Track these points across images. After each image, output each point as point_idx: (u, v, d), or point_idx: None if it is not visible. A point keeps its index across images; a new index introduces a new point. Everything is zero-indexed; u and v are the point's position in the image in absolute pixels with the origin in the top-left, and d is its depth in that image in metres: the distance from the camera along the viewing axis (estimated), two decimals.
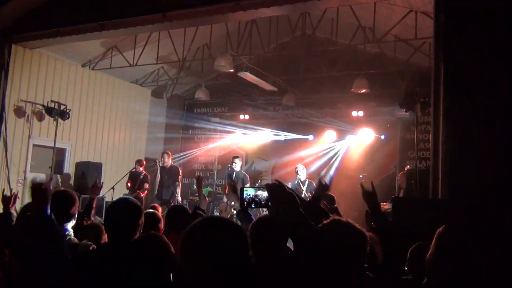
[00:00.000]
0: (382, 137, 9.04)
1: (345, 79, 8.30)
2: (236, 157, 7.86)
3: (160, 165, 7.94)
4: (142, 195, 7.90)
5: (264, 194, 2.31)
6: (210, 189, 10.19)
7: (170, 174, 7.83)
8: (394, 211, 3.64)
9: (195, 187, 9.61)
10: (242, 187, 2.43)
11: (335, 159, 9.17)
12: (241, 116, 10.56)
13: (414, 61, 7.68)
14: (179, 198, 7.70)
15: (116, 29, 6.50)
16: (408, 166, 7.14)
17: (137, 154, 10.45)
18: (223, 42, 8.32)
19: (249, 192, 2.35)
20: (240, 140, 10.58)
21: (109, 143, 10.01)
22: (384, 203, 5.68)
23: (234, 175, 7.61)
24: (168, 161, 7.93)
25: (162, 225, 3.29)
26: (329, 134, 9.46)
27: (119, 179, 8.27)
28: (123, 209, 2.29)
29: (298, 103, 9.48)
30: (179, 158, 10.90)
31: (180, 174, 7.95)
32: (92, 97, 9.68)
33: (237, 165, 7.81)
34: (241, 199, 2.34)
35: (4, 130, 7.81)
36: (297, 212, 1.76)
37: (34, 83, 8.46)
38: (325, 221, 2.07)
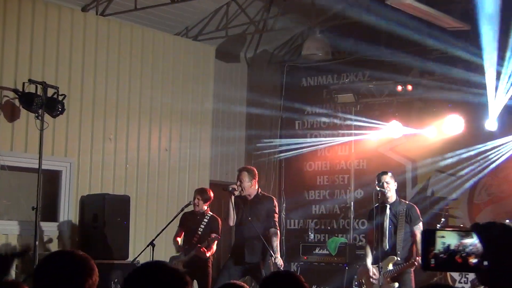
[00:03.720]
0: None
1: None
2: (385, 173, 7.70)
3: (236, 193, 7.70)
4: (208, 255, 8.07)
5: (473, 243, 2.26)
6: (343, 240, 10.45)
7: (256, 210, 7.74)
8: None
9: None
10: (428, 229, 2.54)
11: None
12: (399, 88, 10.55)
13: None
14: (279, 260, 7.45)
15: None
16: None
17: (195, 177, 10.71)
18: None
19: (446, 239, 2.28)
20: (397, 135, 10.67)
21: (141, 158, 10.21)
22: None
23: (387, 209, 7.58)
24: (251, 186, 7.74)
25: None
26: None
27: (163, 226, 8.27)
28: (58, 268, 2.62)
29: None
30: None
31: (276, 209, 7.83)
32: (104, 70, 9.81)
33: (391, 188, 7.63)
34: (424, 254, 2.31)
35: None
36: None
37: None
38: None
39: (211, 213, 8.48)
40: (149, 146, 10.28)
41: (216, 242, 8.22)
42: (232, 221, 7.59)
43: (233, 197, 7.51)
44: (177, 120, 10.66)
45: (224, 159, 11.76)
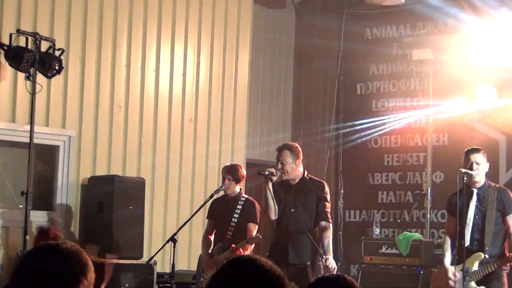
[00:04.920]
0: None
1: None
2: (476, 150, 7.67)
3: (275, 178, 7.80)
4: (248, 251, 8.17)
5: None
6: (417, 236, 10.43)
7: (303, 199, 7.88)
8: None
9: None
10: None
11: None
12: None
13: None
14: (332, 263, 7.57)
15: None
16: None
17: (227, 155, 10.84)
18: None
19: None
20: (489, 102, 10.68)
21: (160, 130, 10.36)
22: None
23: (474, 195, 7.64)
24: (295, 169, 7.83)
25: None
26: None
27: (189, 217, 8.40)
28: (40, 267, 2.68)
29: None
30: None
31: (328, 197, 7.99)
32: (112, 18, 9.97)
33: (481, 170, 7.61)
34: None
35: None
36: None
37: None
38: None
39: (246, 196, 8.56)
40: (169, 115, 10.41)
41: (253, 232, 8.29)
42: (274, 213, 7.66)
43: (270, 184, 7.56)
44: (204, 81, 10.80)
45: (265, 132, 11.99)
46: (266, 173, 7.54)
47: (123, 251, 9.03)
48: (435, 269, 8.70)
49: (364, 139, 11.77)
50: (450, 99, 10.85)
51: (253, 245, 8.26)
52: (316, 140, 11.91)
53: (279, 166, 7.56)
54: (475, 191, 7.44)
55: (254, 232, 8.26)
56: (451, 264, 7.39)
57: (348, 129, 11.93)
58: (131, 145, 10.04)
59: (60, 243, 2.75)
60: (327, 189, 7.95)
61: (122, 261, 8.90)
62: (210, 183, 10.30)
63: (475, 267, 7.22)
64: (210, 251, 8.52)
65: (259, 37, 11.88)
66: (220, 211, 8.52)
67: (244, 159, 10.92)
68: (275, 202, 7.67)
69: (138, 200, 9.45)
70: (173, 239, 7.73)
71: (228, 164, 8.89)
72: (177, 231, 7.91)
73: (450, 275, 7.35)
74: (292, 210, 7.45)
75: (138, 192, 9.51)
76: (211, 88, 10.90)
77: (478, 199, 7.42)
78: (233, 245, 8.09)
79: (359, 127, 11.84)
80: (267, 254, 7.84)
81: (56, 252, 2.70)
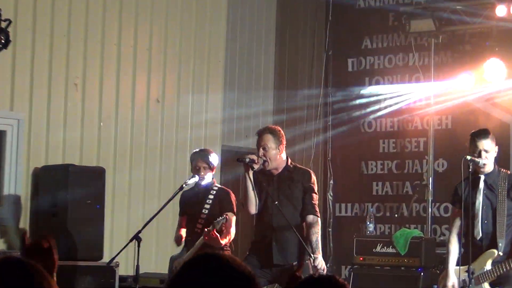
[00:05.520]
0: None
1: None
2: (483, 135, 7.64)
3: (256, 167, 7.84)
4: (223, 242, 8.32)
5: None
6: (416, 233, 10.46)
7: (287, 190, 7.93)
8: None
9: None
10: None
11: None
12: (501, 10, 10.59)
13: None
14: (321, 262, 7.63)
15: None
16: None
17: (200, 141, 10.94)
18: None
19: None
20: (498, 81, 10.79)
21: (121, 112, 10.41)
22: None
23: (481, 182, 7.67)
24: (278, 155, 7.88)
25: None
26: None
27: (155, 211, 8.41)
28: None
29: None
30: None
31: (315, 187, 8.02)
32: None
33: (490, 157, 7.60)
34: None
35: None
36: None
37: None
38: None
39: (219, 185, 8.65)
40: (133, 95, 10.44)
41: (232, 223, 8.32)
42: (254, 206, 7.66)
43: (251, 173, 7.54)
44: (173, 56, 10.84)
45: (243, 115, 11.99)
46: (247, 159, 7.50)
47: (80, 251, 8.98)
48: (438, 271, 8.74)
49: (356, 122, 11.82)
50: (454, 77, 10.88)
51: (232, 234, 8.27)
52: (302, 124, 11.92)
53: (261, 152, 7.52)
54: (482, 177, 7.36)
55: (233, 223, 8.29)
56: (457, 265, 7.31)
57: (338, 112, 11.97)
58: (89, 130, 10.02)
59: (21, 259, 2.77)
60: (314, 178, 7.89)
61: (79, 263, 8.86)
62: (181, 172, 10.31)
63: (488, 266, 7.15)
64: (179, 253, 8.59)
65: (236, 7, 11.86)
66: (190, 203, 8.57)
67: (219, 145, 11.00)
68: (256, 193, 7.66)
69: (97, 193, 9.39)
70: (137, 237, 7.72)
71: (199, 150, 8.90)
72: (143, 228, 7.91)
73: (449, 283, 7.26)
74: (276, 202, 7.41)
75: (98, 184, 9.46)
76: (181, 64, 10.93)
77: (487, 187, 7.37)
78: (206, 229, 8.07)
79: (350, 109, 11.88)
80: (247, 253, 7.88)
81: (15, 267, 2.73)
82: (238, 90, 12.12)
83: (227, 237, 8.29)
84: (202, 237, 8.18)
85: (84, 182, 9.34)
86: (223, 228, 8.24)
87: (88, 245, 9.06)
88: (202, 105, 11.19)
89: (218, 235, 8.12)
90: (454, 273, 7.24)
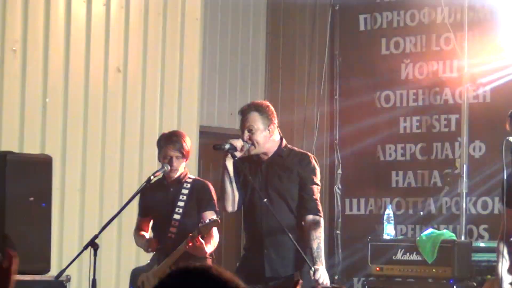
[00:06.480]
0: None
1: None
2: None
3: (239, 154, 8.00)
4: (208, 250, 8.47)
5: None
6: (447, 236, 10.51)
7: (279, 181, 8.04)
8: None
9: None
10: None
11: None
12: None
13: None
14: (323, 275, 7.73)
15: None
16: None
17: (172, 121, 11.32)
18: None
19: None
20: None
21: (73, 84, 10.61)
22: None
23: None
24: (268, 138, 8.07)
25: None
26: None
27: (115, 211, 8.66)
28: None
29: None
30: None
31: (317, 177, 8.18)
32: None
33: None
34: None
35: None
36: None
37: None
38: None
39: (193, 176, 8.65)
40: (87, 63, 10.52)
41: (215, 227, 8.37)
42: (230, 202, 7.69)
43: (230, 162, 7.55)
44: (137, 13, 10.93)
45: (227, 87, 12.38)
46: (227, 146, 7.44)
47: (21, 263, 8.60)
48: (479, 283, 8.90)
49: (371, 95, 11.87)
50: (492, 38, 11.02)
51: (216, 238, 8.31)
52: (301, 97, 12.01)
53: (246, 135, 7.51)
54: None
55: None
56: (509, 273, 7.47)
57: (347, 81, 12.08)
58: (32, 108, 10.12)
59: None
60: (314, 164, 7.82)
61: (19, 277, 8.63)
62: (148, 162, 10.44)
63: None
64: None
65: None
66: (158, 201, 8.54)
67: (196, 126, 11.20)
68: (234, 187, 7.57)
69: (42, 188, 9.27)
70: (93, 244, 7.74)
71: (168, 132, 8.86)
72: (100, 233, 7.99)
73: None
74: (265, 200, 7.35)
75: (43, 176, 9.34)
76: (148, 24, 11.06)
77: None
78: (190, 235, 8.00)
79: (362, 78, 11.97)
80: (238, 264, 8.03)
81: None
82: (220, 53, 12.36)
83: (211, 243, 8.29)
84: (182, 244, 8.11)
85: (25, 174, 9.28)
86: (211, 231, 8.28)
87: (30, 254, 8.89)
88: (174, 75, 11.28)
89: (203, 242, 8.08)
90: (507, 279, 7.47)
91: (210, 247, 8.20)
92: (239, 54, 12.67)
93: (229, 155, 7.44)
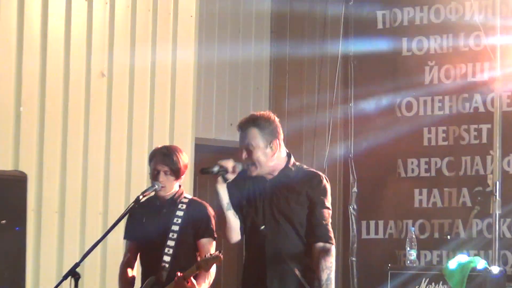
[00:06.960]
0: None
1: None
2: None
3: (231, 177, 7.68)
4: (204, 284, 8.44)
5: None
6: (478, 263, 10.51)
7: (285, 203, 7.64)
8: None
9: None
10: None
11: None
12: None
13: None
14: None
15: None
16: None
17: (164, 132, 11.47)
18: None
19: None
20: None
21: (52, 93, 10.61)
22: None
23: None
24: (271, 156, 7.73)
25: None
26: None
27: (99, 236, 8.09)
28: None
29: None
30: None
31: (328, 199, 7.79)
32: None
33: None
34: None
35: None
36: None
37: None
38: None
39: (190, 196, 8.53)
40: (66, 67, 10.48)
41: (217, 264, 8.09)
42: (234, 232, 7.51)
43: (223, 186, 7.41)
44: (124, 11, 10.96)
45: (226, 95, 12.43)
46: (215, 169, 7.20)
47: None
48: None
49: (390, 102, 11.79)
50: None
51: (212, 273, 8.17)
52: (311, 105, 11.96)
53: (243, 154, 7.26)
54: None
55: (212, 251, 8.22)
56: None
57: (363, 87, 12.04)
58: (4, 118, 10.08)
59: None
60: (325, 185, 7.48)
61: None
62: (136, 180, 10.52)
63: None
64: None
65: None
66: (148, 224, 8.38)
67: (192, 138, 11.22)
68: (234, 213, 7.37)
69: (15, 209, 9.13)
70: (74, 274, 7.17)
71: (161, 146, 8.73)
72: (81, 260, 7.36)
73: None
74: (263, 227, 7.21)
75: (16, 196, 9.21)
76: (135, 21, 11.09)
77: None
78: (178, 274, 7.90)
79: (380, 82, 11.95)
80: None
81: None
82: (218, 55, 12.45)
83: (206, 280, 8.17)
84: (173, 282, 8.05)
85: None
86: (209, 268, 8.05)
87: (3, 285, 8.93)
88: (166, 80, 11.30)
89: (195, 283, 7.98)
90: None
91: (204, 286, 8.10)
92: (240, 57, 12.75)
93: (220, 179, 7.24)
